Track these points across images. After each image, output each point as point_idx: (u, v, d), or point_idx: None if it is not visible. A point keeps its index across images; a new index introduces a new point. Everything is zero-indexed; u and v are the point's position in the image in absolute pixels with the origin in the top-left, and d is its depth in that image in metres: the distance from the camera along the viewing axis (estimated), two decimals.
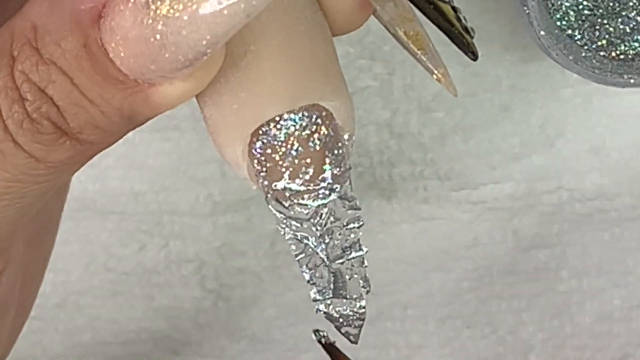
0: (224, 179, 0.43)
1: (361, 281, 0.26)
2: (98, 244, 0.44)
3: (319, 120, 0.24)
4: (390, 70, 0.42)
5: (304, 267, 0.26)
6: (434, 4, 0.26)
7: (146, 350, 0.44)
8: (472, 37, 0.27)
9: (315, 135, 0.24)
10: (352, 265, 0.26)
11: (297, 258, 0.26)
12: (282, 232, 0.25)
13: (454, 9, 0.26)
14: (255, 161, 0.24)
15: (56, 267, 0.43)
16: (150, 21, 0.21)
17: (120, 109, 0.23)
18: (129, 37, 0.21)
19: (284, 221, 0.25)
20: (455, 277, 0.43)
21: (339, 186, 0.24)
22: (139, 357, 0.44)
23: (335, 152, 0.24)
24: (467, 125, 0.42)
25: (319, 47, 0.24)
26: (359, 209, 0.25)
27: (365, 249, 0.26)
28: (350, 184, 0.25)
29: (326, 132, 0.24)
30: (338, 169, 0.24)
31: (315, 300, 0.26)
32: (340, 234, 0.25)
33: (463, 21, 0.27)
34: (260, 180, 0.24)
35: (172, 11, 0.21)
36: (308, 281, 0.26)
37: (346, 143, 0.25)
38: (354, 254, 0.26)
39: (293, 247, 0.25)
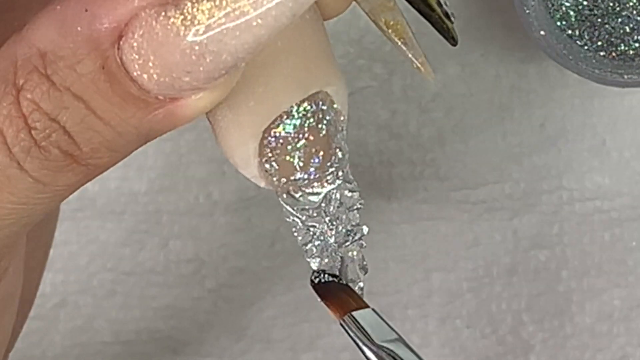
0: (224, 179, 0.43)
1: (359, 263, 0.26)
2: (98, 244, 0.44)
3: (323, 107, 0.24)
4: (390, 70, 0.42)
5: (311, 257, 0.26)
6: None
7: (146, 350, 0.44)
8: (452, 22, 0.27)
9: (323, 121, 0.24)
10: (355, 247, 0.26)
11: (305, 248, 0.26)
12: (294, 225, 0.25)
13: None
14: (267, 157, 0.24)
15: (56, 267, 0.43)
16: (187, 31, 0.21)
17: (137, 128, 0.22)
18: (161, 52, 0.21)
19: (295, 213, 0.25)
20: (455, 277, 0.43)
21: (342, 170, 0.25)
22: (139, 357, 0.44)
23: (338, 135, 0.25)
24: (466, 125, 0.42)
25: (319, 34, 0.24)
26: (358, 190, 0.26)
27: (366, 228, 0.26)
28: (348, 169, 0.26)
29: (329, 117, 0.24)
30: (342, 152, 0.25)
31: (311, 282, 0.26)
32: (345, 217, 0.26)
33: (444, 6, 0.27)
34: (272, 176, 0.24)
35: (213, 18, 0.20)
36: (314, 271, 0.26)
37: (344, 125, 0.25)
38: (358, 235, 0.26)
39: (300, 238, 0.26)
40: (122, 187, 0.43)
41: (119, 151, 0.23)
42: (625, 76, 0.37)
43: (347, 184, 0.25)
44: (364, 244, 0.26)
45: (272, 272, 0.44)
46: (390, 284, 0.44)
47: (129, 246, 0.44)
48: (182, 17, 0.21)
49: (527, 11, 0.36)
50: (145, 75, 0.21)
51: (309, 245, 0.26)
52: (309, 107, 0.24)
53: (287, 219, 0.25)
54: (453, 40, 0.27)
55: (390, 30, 0.25)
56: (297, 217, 0.25)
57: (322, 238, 0.26)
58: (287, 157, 0.24)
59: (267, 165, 0.24)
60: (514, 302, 0.43)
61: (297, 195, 0.25)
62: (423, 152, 0.42)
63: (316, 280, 0.26)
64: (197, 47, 0.21)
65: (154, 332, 0.44)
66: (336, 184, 0.25)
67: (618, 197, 0.43)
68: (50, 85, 0.21)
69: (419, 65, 0.26)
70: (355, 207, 0.26)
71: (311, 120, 0.24)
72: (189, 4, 0.20)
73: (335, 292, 0.26)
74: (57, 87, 0.21)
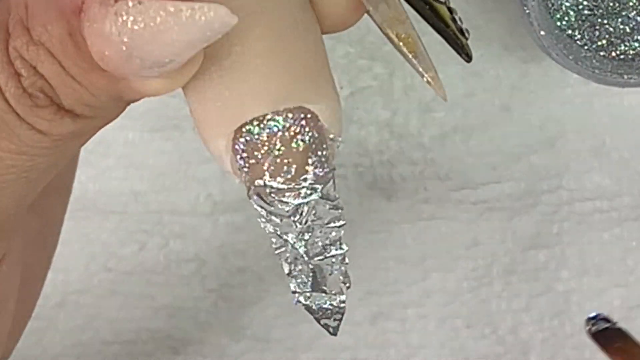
0: (224, 179, 0.43)
1: (341, 277, 0.26)
2: (98, 243, 0.44)
3: (302, 122, 0.24)
4: (390, 70, 0.42)
5: (284, 261, 0.26)
6: (429, 4, 0.26)
7: (146, 350, 0.44)
8: (466, 39, 0.27)
9: (299, 137, 0.24)
10: (333, 262, 0.26)
11: (277, 252, 0.26)
12: (263, 227, 0.25)
13: (450, 9, 0.26)
14: (238, 157, 0.24)
15: (56, 267, 0.42)
16: (117, 32, 0.21)
17: (107, 91, 0.23)
18: (102, 39, 0.22)
19: (265, 216, 0.25)
20: (455, 277, 0.43)
21: (320, 186, 0.24)
22: (139, 357, 0.44)
23: (320, 153, 0.24)
24: (467, 125, 0.43)
25: (307, 50, 0.24)
26: (341, 208, 0.25)
27: (345, 247, 0.26)
28: (333, 184, 0.25)
29: (310, 134, 0.24)
30: (321, 170, 0.24)
31: (294, 292, 0.26)
32: (321, 232, 0.25)
33: (458, 22, 0.26)
34: (243, 176, 0.24)
35: (135, 27, 0.21)
36: (287, 274, 0.26)
37: (331, 144, 0.25)
38: (333, 252, 0.26)
39: (273, 240, 0.25)
40: (123, 187, 0.43)
41: (97, 107, 0.23)
42: (625, 76, 0.37)
43: (328, 201, 0.25)
44: (346, 260, 0.26)
45: (272, 272, 0.44)
46: (390, 284, 0.44)
47: (129, 246, 0.44)
48: (115, 16, 0.21)
49: (527, 11, 0.36)
50: (95, 55, 0.22)
51: (282, 249, 0.26)
52: (281, 120, 0.24)
53: (259, 221, 0.25)
54: (467, 57, 0.27)
55: (401, 44, 0.25)
56: (267, 221, 0.25)
57: (290, 247, 0.25)
58: (257, 162, 0.24)
59: (240, 163, 0.24)
60: (514, 301, 0.44)
61: (267, 200, 0.25)
62: (423, 152, 0.43)
63: (593, 329, 0.26)
64: (124, 48, 0.21)
65: (154, 332, 0.44)
66: (311, 199, 0.25)
67: (618, 197, 0.43)
68: (29, 38, 0.22)
69: (429, 79, 0.26)
70: (334, 223, 0.25)
71: (285, 133, 0.24)
72: (120, 4, 0.21)
73: (617, 342, 0.26)
74: (34, 41, 0.22)
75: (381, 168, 0.43)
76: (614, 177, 0.43)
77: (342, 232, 0.26)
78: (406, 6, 0.26)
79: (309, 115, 0.24)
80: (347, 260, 0.26)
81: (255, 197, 0.25)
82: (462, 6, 0.42)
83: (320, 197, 0.25)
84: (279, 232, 0.25)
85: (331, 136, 0.25)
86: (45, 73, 0.23)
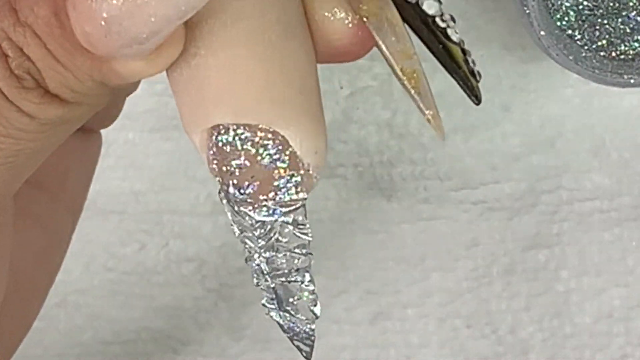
0: None
1: (311, 306, 0.25)
2: (98, 243, 0.44)
3: (266, 142, 0.23)
4: (390, 70, 0.42)
5: (252, 271, 0.25)
6: (443, 44, 0.25)
7: (146, 350, 0.44)
8: (477, 81, 0.26)
9: (265, 153, 0.23)
10: (301, 287, 0.25)
11: (245, 258, 0.25)
12: (232, 230, 0.25)
13: (464, 51, 0.26)
14: (211, 156, 0.24)
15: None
16: (97, 7, 0.21)
17: (91, 75, 0.23)
18: (82, 15, 0.22)
19: (233, 220, 0.25)
20: (455, 277, 0.43)
21: (286, 210, 0.24)
22: (139, 357, 0.44)
23: (288, 178, 0.24)
24: (467, 125, 0.43)
25: (287, 72, 0.24)
26: (309, 237, 0.25)
27: (308, 278, 0.25)
28: (304, 213, 0.24)
29: (278, 155, 0.23)
30: (287, 194, 0.24)
31: (263, 305, 0.26)
32: (285, 255, 0.25)
33: (471, 64, 0.26)
34: (214, 175, 0.24)
35: (114, 1, 0.21)
36: (255, 285, 0.25)
37: (306, 175, 0.24)
38: (298, 279, 0.25)
39: (243, 245, 0.25)
40: (122, 187, 0.43)
41: (82, 92, 0.24)
42: (625, 76, 0.37)
43: (298, 225, 0.24)
44: (314, 293, 0.25)
45: None
46: (390, 284, 0.44)
47: (129, 246, 0.44)
48: None
49: (527, 11, 0.36)
50: (77, 33, 0.22)
51: (250, 258, 0.25)
52: (244, 133, 0.23)
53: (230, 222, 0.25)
54: (476, 99, 0.26)
55: (405, 79, 0.25)
56: (234, 224, 0.25)
57: (257, 261, 0.25)
58: (224, 168, 0.24)
59: (213, 166, 0.24)
60: (514, 301, 0.44)
61: (233, 206, 0.24)
62: (423, 151, 0.43)
63: None
64: (103, 23, 0.21)
65: (154, 332, 0.44)
66: (274, 219, 0.24)
67: (618, 197, 0.43)
68: (16, 19, 0.23)
69: (429, 117, 0.25)
70: (299, 250, 0.25)
71: (249, 147, 0.23)
72: None
73: None
74: (21, 22, 0.22)
75: (381, 168, 0.43)
76: (614, 177, 0.43)
77: (310, 261, 0.25)
78: (417, 42, 0.25)
79: (279, 138, 0.23)
80: (315, 290, 0.25)
81: (224, 200, 0.24)
82: (462, 6, 0.42)
83: (288, 223, 0.24)
84: (245, 240, 0.25)
85: (307, 166, 0.24)
86: (31, 55, 0.23)
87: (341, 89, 0.42)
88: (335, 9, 0.25)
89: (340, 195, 0.43)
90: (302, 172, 0.24)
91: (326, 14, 0.25)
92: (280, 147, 0.23)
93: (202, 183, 0.43)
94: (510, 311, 0.44)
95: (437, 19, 0.25)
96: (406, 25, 0.25)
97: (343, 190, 0.43)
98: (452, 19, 0.26)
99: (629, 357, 0.44)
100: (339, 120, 0.43)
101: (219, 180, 0.24)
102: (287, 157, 0.24)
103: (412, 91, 0.25)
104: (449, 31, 0.25)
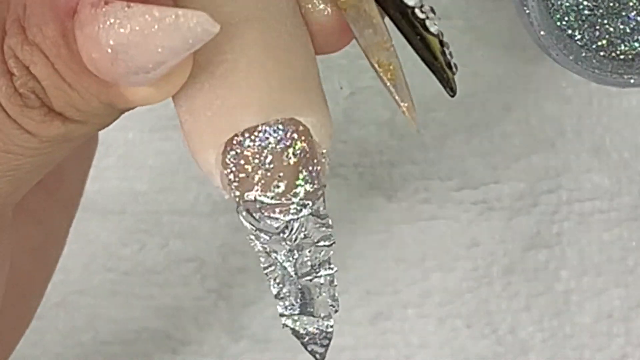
0: None
1: (330, 300, 0.25)
2: (98, 243, 0.44)
3: (294, 135, 0.24)
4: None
5: (272, 281, 0.25)
6: (421, 35, 0.25)
7: (146, 350, 0.44)
8: (454, 73, 0.26)
9: (290, 150, 0.24)
10: (322, 284, 0.25)
11: (265, 271, 0.25)
12: (252, 244, 0.25)
13: (441, 42, 0.26)
14: (228, 170, 0.24)
15: (56, 267, 0.43)
16: (104, 34, 0.21)
17: (98, 97, 0.23)
18: (90, 41, 0.22)
19: (254, 233, 0.24)
20: (454, 277, 0.43)
21: (311, 203, 0.24)
22: (139, 357, 0.44)
23: (311, 168, 0.24)
24: (467, 125, 0.42)
25: (299, 62, 0.24)
26: (331, 227, 0.25)
27: (335, 268, 0.25)
28: (324, 201, 0.25)
29: (301, 148, 0.24)
30: (312, 186, 0.24)
31: (281, 315, 0.26)
32: (310, 251, 0.25)
33: (448, 56, 0.26)
34: (232, 190, 0.24)
35: (121, 30, 0.21)
36: (275, 296, 0.25)
37: (322, 160, 0.24)
38: (322, 272, 0.25)
39: (262, 259, 0.25)
40: (122, 187, 0.43)
41: (90, 113, 0.23)
42: (625, 76, 0.37)
43: (318, 219, 0.25)
44: (335, 283, 0.25)
45: None
46: (390, 284, 0.44)
47: (129, 246, 0.44)
48: (104, 18, 0.21)
49: (527, 11, 0.36)
50: (84, 57, 0.22)
51: (270, 269, 0.25)
52: (272, 132, 0.23)
53: (248, 238, 0.25)
54: (451, 91, 0.26)
55: (381, 71, 0.25)
56: (256, 238, 0.25)
57: (279, 266, 0.25)
58: (248, 176, 0.24)
59: (230, 177, 0.24)
60: (514, 302, 0.43)
61: (256, 216, 0.24)
62: (424, 152, 0.43)
63: None
64: (109, 50, 0.21)
65: (154, 332, 0.44)
66: (300, 215, 0.24)
67: (617, 197, 0.43)
68: (24, 38, 0.22)
69: (404, 109, 0.25)
70: (323, 242, 0.25)
71: (277, 146, 0.23)
72: (109, 7, 0.21)
73: None
74: (29, 41, 0.22)
75: (381, 168, 0.43)
76: (614, 177, 0.43)
77: (332, 252, 0.25)
78: (395, 34, 0.25)
79: (300, 129, 0.24)
80: (336, 282, 0.25)
81: (244, 213, 0.24)
82: (462, 6, 0.42)
83: (311, 214, 0.24)
84: (267, 250, 0.25)
85: (322, 152, 0.24)
86: (37, 74, 0.23)
87: (341, 89, 0.42)
88: (315, 1, 0.25)
89: (340, 195, 0.43)
90: (322, 159, 0.24)
91: (308, 5, 0.25)
92: (303, 138, 0.24)
93: (202, 183, 0.43)
94: (510, 311, 0.43)
95: (417, 10, 0.25)
96: (385, 16, 0.25)
97: (343, 190, 0.43)
98: (432, 10, 0.26)
99: (629, 357, 0.44)
100: (339, 120, 0.43)
101: (237, 195, 0.24)
102: (308, 147, 0.24)
103: (388, 83, 0.25)
104: (428, 22, 0.25)
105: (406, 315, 0.44)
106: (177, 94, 0.24)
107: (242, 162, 0.24)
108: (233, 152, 0.24)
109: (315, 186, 0.24)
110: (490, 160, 0.43)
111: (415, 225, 0.43)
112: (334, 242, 0.25)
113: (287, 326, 0.26)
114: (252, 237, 0.25)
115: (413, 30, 0.25)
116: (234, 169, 0.24)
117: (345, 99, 0.42)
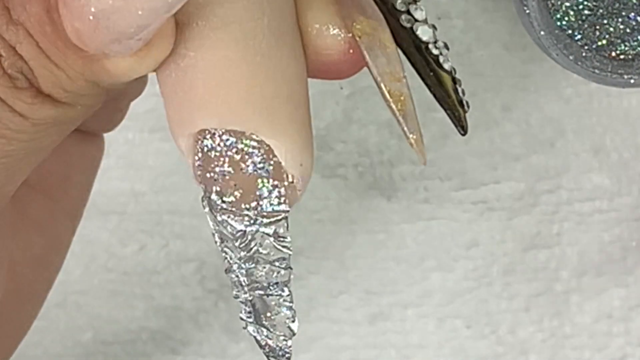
0: None
1: (287, 321, 0.25)
2: (98, 244, 0.44)
3: (251, 151, 0.23)
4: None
5: (231, 283, 0.25)
6: (434, 71, 0.25)
7: (146, 350, 0.44)
8: (465, 111, 0.26)
9: (249, 161, 0.23)
10: (280, 302, 0.25)
11: (225, 272, 0.25)
12: (214, 240, 0.25)
13: (454, 80, 0.26)
14: (197, 161, 0.24)
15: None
16: (85, 1, 0.21)
17: (83, 74, 0.23)
18: (72, 10, 0.22)
19: (215, 230, 0.24)
20: (455, 277, 0.43)
21: (267, 221, 0.24)
22: (139, 357, 0.44)
23: (271, 187, 0.23)
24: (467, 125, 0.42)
25: (275, 82, 0.23)
26: (290, 250, 0.24)
27: (287, 293, 0.25)
28: (287, 226, 0.24)
29: (262, 164, 0.23)
30: (269, 205, 0.24)
31: (241, 319, 0.25)
32: (264, 267, 0.24)
33: (460, 94, 0.26)
34: (198, 181, 0.24)
35: None
36: (234, 297, 0.25)
37: (290, 188, 0.24)
38: (275, 293, 0.25)
39: (224, 255, 0.25)
40: (122, 187, 0.43)
41: (75, 92, 0.23)
42: (625, 76, 0.37)
43: (278, 238, 0.24)
44: (293, 308, 0.25)
45: None
46: (390, 284, 0.44)
47: (129, 246, 0.44)
48: None
49: (527, 11, 0.36)
50: (67, 30, 0.22)
51: (229, 269, 0.25)
52: (229, 139, 0.23)
53: (212, 234, 0.25)
54: (462, 129, 0.26)
55: (392, 100, 0.25)
56: (216, 233, 0.24)
57: (236, 271, 0.25)
58: (208, 174, 0.24)
59: (198, 172, 0.24)
60: (514, 302, 0.44)
61: (216, 215, 0.24)
62: None
63: None
64: (91, 17, 0.21)
65: (154, 332, 0.44)
66: (254, 229, 0.24)
67: (617, 197, 0.43)
68: (9, 18, 0.22)
69: (412, 141, 0.25)
70: (279, 263, 0.24)
71: (233, 154, 0.23)
72: None
73: None
74: (13, 20, 0.22)
75: (381, 168, 0.43)
76: (614, 177, 0.43)
77: (290, 276, 0.25)
78: (406, 65, 0.25)
79: (264, 146, 0.23)
80: (293, 307, 0.25)
81: (206, 208, 0.24)
82: (462, 6, 0.42)
83: (267, 234, 0.24)
84: (224, 250, 0.25)
85: (292, 177, 0.24)
86: (24, 54, 0.23)
87: (341, 89, 0.42)
88: (329, 24, 0.24)
89: (340, 195, 0.43)
90: (285, 183, 0.24)
91: (320, 27, 0.24)
92: (265, 156, 0.23)
93: None
94: (510, 311, 0.44)
95: (431, 46, 0.25)
96: (398, 49, 0.25)
97: (343, 190, 0.43)
98: (446, 46, 0.25)
99: (629, 357, 0.44)
100: (339, 120, 0.43)
101: (202, 187, 0.24)
102: (271, 167, 0.23)
103: (398, 114, 0.25)
104: (441, 59, 0.25)
105: (406, 316, 0.44)
106: (159, 75, 0.24)
107: (206, 159, 0.24)
108: (200, 146, 0.24)
109: (274, 207, 0.24)
110: (490, 160, 0.43)
111: (415, 225, 0.43)
112: (290, 267, 0.24)
113: (247, 331, 0.25)
114: (214, 233, 0.24)
115: (427, 65, 0.25)
116: (202, 161, 0.24)
117: (346, 99, 0.42)
